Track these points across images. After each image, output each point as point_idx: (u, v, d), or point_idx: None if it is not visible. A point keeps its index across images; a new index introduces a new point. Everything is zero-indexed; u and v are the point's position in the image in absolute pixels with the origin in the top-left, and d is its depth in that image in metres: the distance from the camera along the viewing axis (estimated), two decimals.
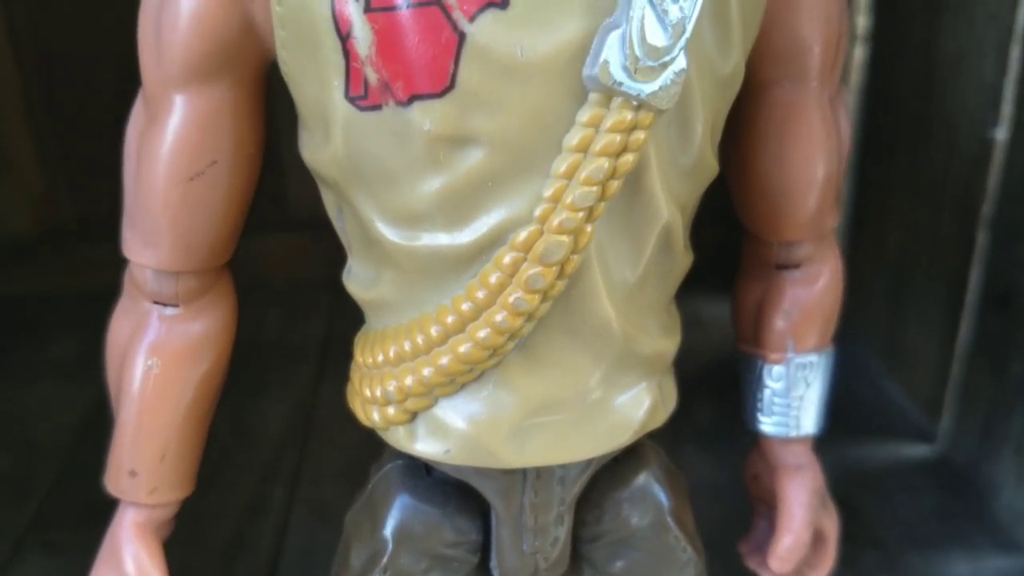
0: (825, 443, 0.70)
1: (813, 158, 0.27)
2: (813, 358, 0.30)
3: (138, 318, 0.27)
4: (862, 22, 0.80)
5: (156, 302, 0.27)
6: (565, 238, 0.23)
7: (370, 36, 0.21)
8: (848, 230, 0.87)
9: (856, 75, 0.82)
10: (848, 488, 0.65)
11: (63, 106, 0.90)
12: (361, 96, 0.22)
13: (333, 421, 0.66)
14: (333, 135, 0.23)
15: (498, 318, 0.23)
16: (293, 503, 0.57)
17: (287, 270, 0.85)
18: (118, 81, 0.55)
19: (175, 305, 0.27)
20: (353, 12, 0.21)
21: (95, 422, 0.64)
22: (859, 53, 0.81)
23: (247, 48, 0.24)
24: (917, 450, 0.71)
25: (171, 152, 0.24)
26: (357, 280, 0.26)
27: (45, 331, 0.80)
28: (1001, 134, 0.62)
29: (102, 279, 0.39)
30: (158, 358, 0.27)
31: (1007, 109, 0.62)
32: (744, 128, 0.28)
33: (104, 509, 0.30)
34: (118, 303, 0.28)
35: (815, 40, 0.26)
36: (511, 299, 0.23)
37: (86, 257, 0.84)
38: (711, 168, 0.25)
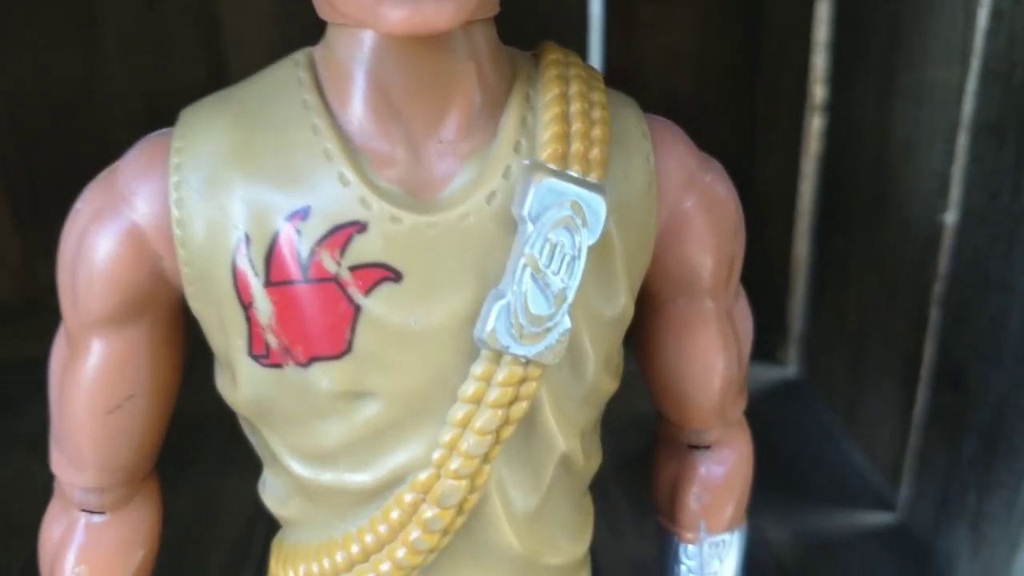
0: (788, 510, 0.71)
1: (710, 365, 0.28)
2: (726, 537, 0.31)
3: (67, 524, 0.28)
4: (819, 92, 0.82)
5: (84, 510, 0.28)
6: (461, 482, 0.24)
7: (270, 308, 0.23)
8: (810, 294, 0.88)
9: (814, 143, 0.83)
10: (809, 561, 0.66)
11: (41, 177, 0.91)
12: (263, 355, 0.23)
13: None
14: (239, 383, 0.24)
15: (399, 554, 0.24)
16: None
17: None
18: (95, 153, 0.55)
19: (102, 513, 0.28)
20: (254, 285, 0.23)
21: None
22: (816, 123, 0.82)
23: (160, 294, 0.25)
24: (878, 518, 0.72)
25: (90, 389, 0.25)
26: (271, 494, 0.27)
27: (19, 402, 0.80)
28: (950, 218, 0.64)
29: None
30: (86, 564, 0.28)
31: (955, 195, 0.63)
32: (647, 336, 0.29)
33: None
34: (50, 506, 0.29)
35: (704, 266, 0.27)
36: (411, 537, 0.24)
37: None
38: (609, 389, 0.27)
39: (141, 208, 0.24)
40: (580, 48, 0.92)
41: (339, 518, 0.25)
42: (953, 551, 0.63)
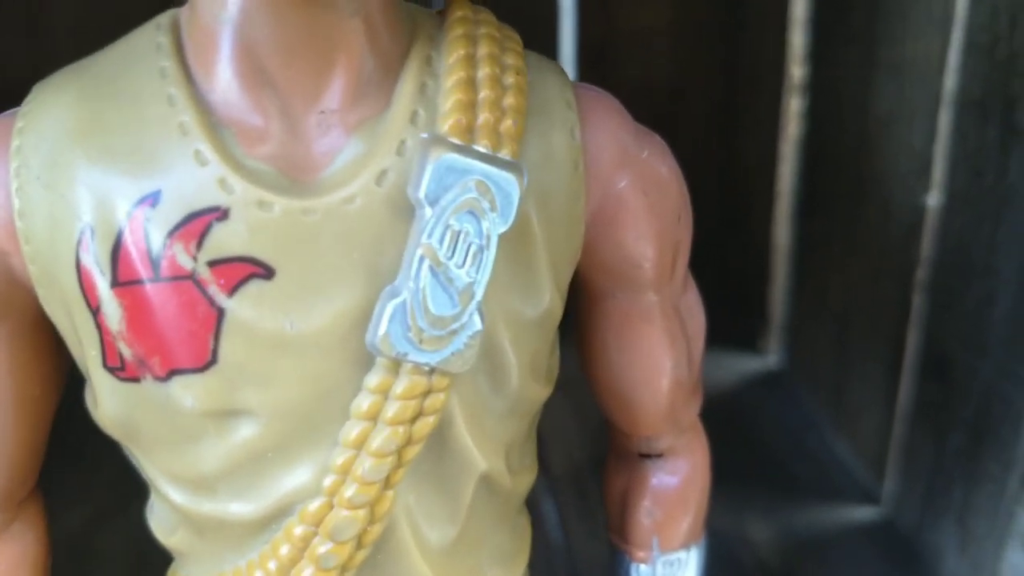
0: (772, 505, 0.69)
1: (657, 366, 0.25)
2: (681, 555, 0.28)
3: None
4: (797, 72, 0.79)
5: None
6: (359, 512, 0.20)
7: (119, 311, 0.19)
8: (791, 280, 0.85)
9: (793, 126, 0.80)
10: (793, 558, 0.64)
11: None
12: (119, 368, 0.20)
13: None
14: (99, 399, 0.21)
15: None
16: None
17: None
18: None
19: None
20: (100, 286, 0.19)
21: None
22: (795, 104, 0.79)
23: (14, 299, 0.21)
24: (863, 512, 0.70)
25: None
26: (158, 522, 0.24)
27: None
28: (933, 200, 0.61)
29: None
30: None
31: (938, 175, 0.60)
32: (587, 334, 0.26)
33: None
34: None
35: (644, 256, 0.23)
36: (304, 575, 0.21)
37: None
38: (538, 397, 0.23)
39: None
40: (552, 25, 0.88)
41: (228, 551, 0.22)
42: (940, 545, 0.61)
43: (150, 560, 0.55)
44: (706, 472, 0.28)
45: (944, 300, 0.60)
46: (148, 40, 0.20)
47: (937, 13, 0.58)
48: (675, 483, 0.28)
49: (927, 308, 0.62)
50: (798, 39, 0.78)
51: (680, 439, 0.28)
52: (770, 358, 0.89)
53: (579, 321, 0.26)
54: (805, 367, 0.83)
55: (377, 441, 0.20)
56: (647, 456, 0.28)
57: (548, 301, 0.22)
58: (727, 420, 0.68)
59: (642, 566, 0.28)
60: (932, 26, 0.60)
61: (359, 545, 0.21)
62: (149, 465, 0.22)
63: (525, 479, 0.25)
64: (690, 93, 0.90)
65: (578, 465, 0.72)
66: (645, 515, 0.28)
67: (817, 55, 0.77)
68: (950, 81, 0.58)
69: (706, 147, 0.87)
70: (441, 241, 0.19)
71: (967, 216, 0.57)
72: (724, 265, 0.89)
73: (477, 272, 0.19)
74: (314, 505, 0.20)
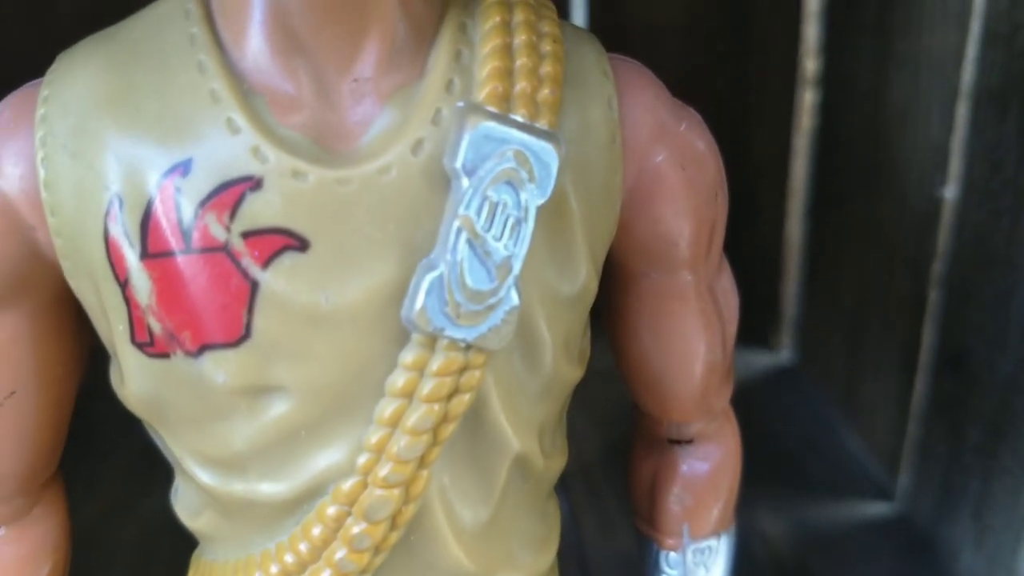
0: (785, 501, 0.68)
1: (691, 348, 0.24)
2: (711, 543, 0.28)
3: None
4: (811, 65, 0.78)
5: None
6: (393, 491, 0.20)
7: (149, 284, 0.19)
8: (803, 275, 0.85)
9: (807, 119, 0.80)
10: (807, 554, 0.63)
11: None
12: (147, 343, 0.19)
13: None
14: (126, 376, 0.21)
15: None
16: None
17: None
18: None
19: None
20: (129, 258, 0.19)
21: None
22: (809, 97, 0.79)
23: (38, 275, 0.21)
24: (877, 508, 0.69)
25: None
26: (183, 505, 0.24)
27: None
28: (950, 193, 0.60)
29: None
30: None
31: (955, 167, 0.60)
32: (619, 315, 0.25)
33: None
34: None
35: (680, 233, 0.23)
36: (336, 557, 0.20)
37: None
38: (571, 378, 0.23)
39: (6, 171, 0.20)
40: (561, 14, 0.88)
41: (256, 533, 0.22)
42: (955, 540, 0.60)
43: (159, 554, 0.54)
44: (737, 459, 0.28)
45: (961, 294, 0.59)
46: (177, 6, 0.20)
47: (954, 4, 0.58)
48: (706, 469, 0.27)
49: (943, 302, 0.62)
50: (812, 32, 0.78)
51: (711, 425, 0.27)
52: (782, 354, 0.88)
53: (611, 304, 0.25)
54: (817, 363, 0.83)
55: (413, 419, 0.19)
56: (677, 442, 0.27)
57: (584, 278, 0.21)
58: (739, 416, 0.68)
59: (671, 554, 0.28)
60: (949, 17, 0.59)
61: (393, 526, 0.20)
62: (176, 445, 0.21)
63: (556, 463, 0.24)
64: (701, 87, 0.89)
65: (589, 461, 0.72)
66: (675, 502, 0.27)
67: (831, 48, 0.77)
68: (968, 73, 0.58)
69: (718, 141, 0.86)
70: (479, 213, 0.18)
71: (985, 209, 0.56)
72: (736, 260, 0.88)
73: (515, 245, 0.19)
74: (348, 484, 0.20)
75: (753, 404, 0.88)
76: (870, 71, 0.69)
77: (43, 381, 0.22)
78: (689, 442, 0.27)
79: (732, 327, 0.26)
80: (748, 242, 0.92)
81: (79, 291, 0.21)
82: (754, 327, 0.90)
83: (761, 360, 0.87)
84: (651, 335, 0.24)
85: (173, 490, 0.24)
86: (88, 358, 0.24)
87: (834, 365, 0.78)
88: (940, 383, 0.62)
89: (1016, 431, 0.54)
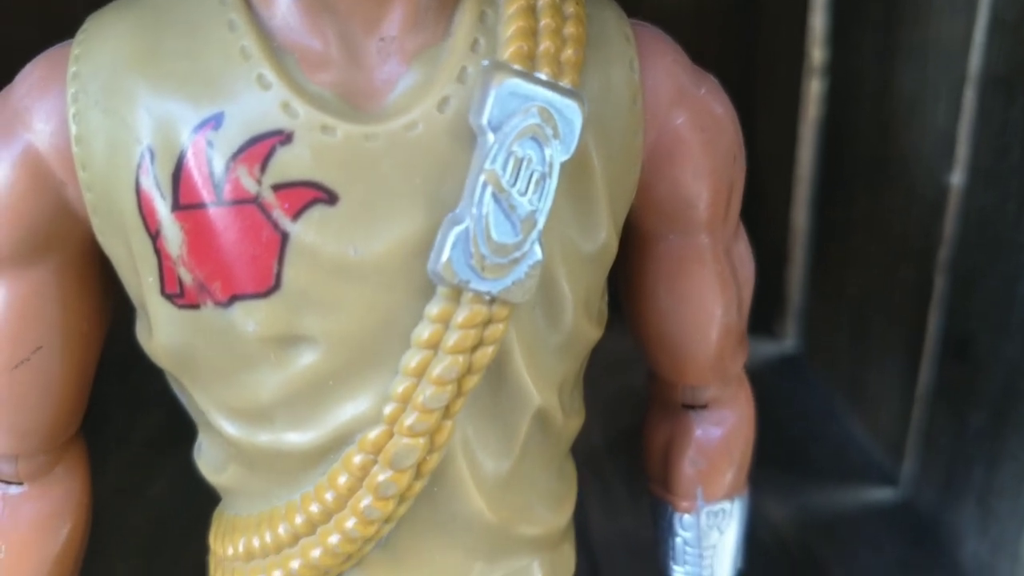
0: (789, 487, 0.69)
1: (708, 311, 0.25)
2: (725, 505, 0.28)
3: None
4: (818, 55, 0.78)
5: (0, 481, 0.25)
6: (418, 440, 0.20)
7: (180, 236, 0.19)
8: (807, 265, 0.85)
9: (813, 108, 0.80)
10: (812, 539, 0.64)
11: None
12: (177, 294, 0.20)
13: None
14: (155, 329, 0.21)
15: (349, 524, 0.21)
16: None
17: None
18: None
19: (19, 483, 0.25)
20: (160, 210, 0.19)
21: None
22: (815, 86, 0.79)
23: (66, 231, 0.21)
24: (881, 494, 0.69)
25: None
26: (206, 461, 0.24)
27: None
28: (957, 179, 0.61)
29: None
30: (3, 542, 0.25)
31: (962, 153, 0.60)
32: (636, 278, 0.26)
33: None
34: None
35: (699, 195, 0.23)
36: (361, 505, 0.21)
37: None
38: (590, 337, 0.23)
39: (38, 127, 0.20)
40: None
41: (281, 486, 0.22)
42: (960, 526, 0.60)
43: (166, 539, 0.55)
44: (751, 424, 0.28)
45: (967, 279, 0.60)
46: None
47: None
48: (720, 434, 0.28)
49: (949, 288, 0.62)
50: (819, 21, 0.78)
51: (726, 390, 0.28)
52: (787, 343, 0.89)
53: (627, 268, 0.26)
54: (822, 352, 0.83)
55: (438, 369, 0.20)
56: (691, 407, 0.28)
57: (605, 236, 0.22)
58: None
59: (686, 516, 0.28)
60: (956, 4, 0.59)
61: (417, 475, 0.21)
62: (203, 398, 0.22)
63: (574, 422, 0.25)
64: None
65: (593, 445, 0.72)
66: (689, 464, 0.28)
67: (837, 37, 0.77)
68: (975, 59, 0.58)
69: None
70: (504, 167, 0.19)
71: (991, 194, 0.57)
72: None
73: (539, 200, 0.19)
74: (374, 433, 0.20)
75: (758, 392, 0.88)
76: (877, 60, 0.70)
77: (69, 337, 0.23)
78: (704, 407, 0.28)
79: (748, 291, 0.26)
80: (753, 231, 0.92)
81: (108, 247, 0.21)
82: (759, 316, 0.89)
83: (766, 349, 0.87)
84: (668, 297, 0.25)
85: (196, 447, 0.25)
86: (110, 319, 0.25)
87: (839, 353, 0.79)
88: (945, 369, 0.62)
89: (1021, 417, 0.54)
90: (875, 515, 0.67)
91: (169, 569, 0.54)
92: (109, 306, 0.24)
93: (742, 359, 0.27)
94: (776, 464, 0.71)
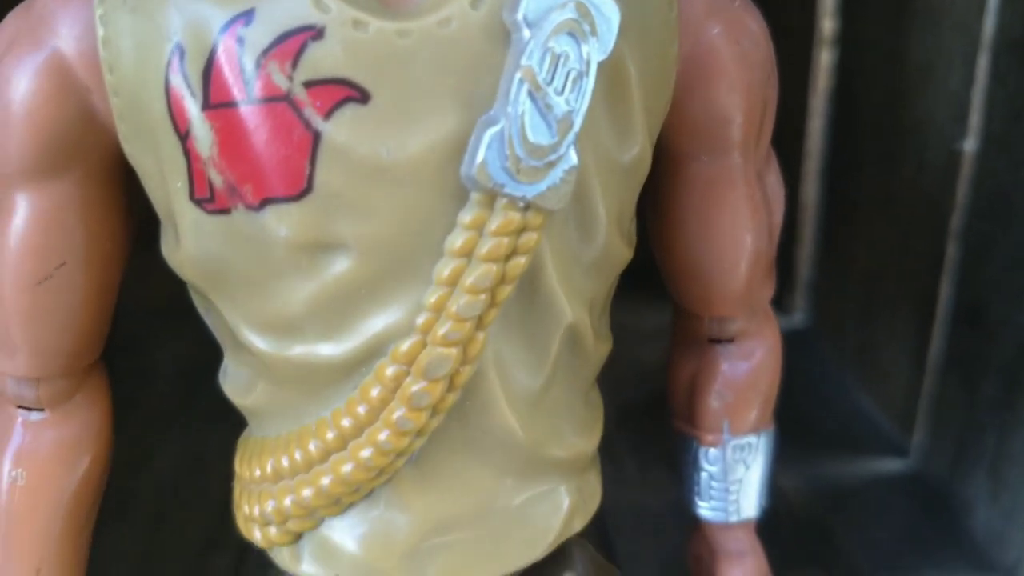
0: (799, 458, 0.69)
1: (738, 236, 0.25)
2: (751, 439, 0.28)
3: (1, 424, 0.25)
4: (828, 25, 0.78)
5: (20, 406, 0.25)
6: (452, 350, 0.20)
7: (210, 136, 0.19)
8: (817, 239, 0.85)
9: (823, 79, 0.79)
10: (821, 509, 0.64)
11: None
12: (207, 199, 0.20)
13: None
14: (183, 238, 0.21)
15: (381, 437, 0.21)
16: None
17: None
18: None
19: (40, 410, 0.25)
20: (191, 109, 0.19)
21: None
22: (825, 57, 0.79)
23: (90, 141, 0.21)
24: (891, 464, 0.69)
25: (15, 256, 0.22)
26: (233, 384, 0.24)
27: None
28: (970, 145, 0.60)
29: None
30: (24, 468, 0.25)
31: (975, 120, 0.60)
32: (664, 203, 0.25)
33: None
34: None
35: (734, 112, 0.23)
36: (394, 416, 0.21)
37: None
38: (622, 257, 0.23)
39: (63, 31, 0.20)
40: None
41: (310, 402, 0.22)
42: (970, 496, 0.60)
43: (173, 506, 0.54)
44: (778, 356, 0.28)
45: (979, 247, 0.59)
46: None
47: None
48: (747, 367, 0.27)
49: (961, 256, 0.62)
50: None
51: (752, 322, 0.27)
52: (796, 317, 0.88)
53: (656, 195, 0.25)
54: (832, 325, 0.83)
55: (471, 278, 0.20)
56: (718, 341, 0.28)
57: (639, 148, 0.21)
58: None
59: (711, 450, 0.28)
60: None
61: (450, 386, 0.21)
62: (232, 311, 0.21)
63: (603, 346, 0.24)
64: None
65: (605, 421, 0.72)
66: (715, 398, 0.27)
67: (848, 7, 0.77)
68: (989, 23, 0.58)
69: None
70: (541, 64, 0.18)
71: (1004, 161, 0.56)
72: None
73: (576, 100, 0.19)
74: (407, 344, 0.20)
75: None
76: (889, 29, 0.69)
77: (92, 254, 0.23)
78: (730, 341, 0.27)
79: (778, 218, 0.26)
80: None
81: (134, 155, 0.21)
82: None
83: None
84: (698, 223, 0.25)
85: (222, 372, 0.24)
86: (133, 242, 0.24)
87: (848, 326, 0.78)
88: (956, 338, 0.62)
89: None
90: (886, 486, 0.67)
91: (175, 539, 0.54)
92: (133, 227, 0.24)
93: (770, 290, 0.27)
94: (787, 436, 0.71)
